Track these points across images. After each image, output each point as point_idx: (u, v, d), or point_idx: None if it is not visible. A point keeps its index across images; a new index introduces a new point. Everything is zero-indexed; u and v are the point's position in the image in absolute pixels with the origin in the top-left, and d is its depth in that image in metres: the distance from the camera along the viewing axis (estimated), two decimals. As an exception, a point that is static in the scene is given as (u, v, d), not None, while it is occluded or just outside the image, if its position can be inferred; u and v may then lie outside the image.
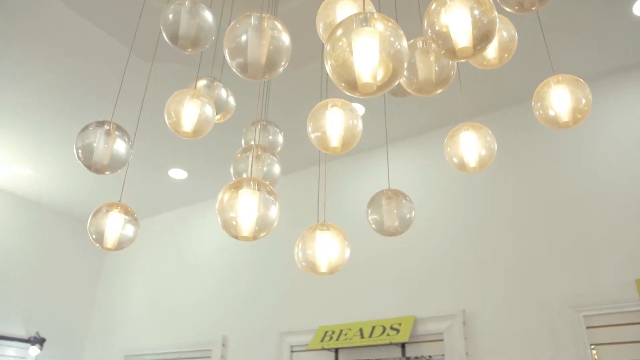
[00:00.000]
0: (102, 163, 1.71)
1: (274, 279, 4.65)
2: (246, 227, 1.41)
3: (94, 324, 6.10)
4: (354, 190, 4.48)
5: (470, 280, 3.62)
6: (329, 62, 1.14)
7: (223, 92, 2.08)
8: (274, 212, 1.43)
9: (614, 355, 2.96)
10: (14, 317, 5.49)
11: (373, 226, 1.88)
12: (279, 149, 2.12)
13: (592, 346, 3.07)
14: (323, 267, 1.67)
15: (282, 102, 3.91)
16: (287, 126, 3.84)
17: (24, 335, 5.48)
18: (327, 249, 1.67)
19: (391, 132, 4.30)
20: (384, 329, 3.72)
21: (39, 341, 5.49)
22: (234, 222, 1.41)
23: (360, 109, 3.94)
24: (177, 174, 5.06)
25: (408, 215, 1.82)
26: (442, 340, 3.55)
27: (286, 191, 4.59)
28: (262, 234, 1.42)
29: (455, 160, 1.75)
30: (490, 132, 1.80)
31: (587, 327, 3.11)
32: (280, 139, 2.15)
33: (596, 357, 3.01)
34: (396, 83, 1.15)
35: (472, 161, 1.73)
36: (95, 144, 1.68)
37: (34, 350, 5.44)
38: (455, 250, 3.77)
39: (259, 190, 1.43)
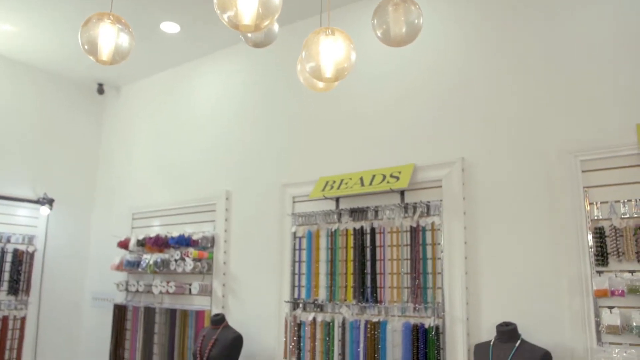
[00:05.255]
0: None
1: (274, 132, 4.66)
2: (248, 13, 1.31)
3: (99, 185, 6.26)
4: (357, 44, 4.30)
5: (469, 129, 3.62)
6: None
7: None
8: (276, -5, 1.32)
9: (605, 196, 3.05)
10: (21, 180, 5.60)
11: (379, 36, 1.77)
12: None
13: (585, 189, 3.15)
14: (328, 72, 1.60)
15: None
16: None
17: (32, 196, 5.64)
18: (332, 52, 1.58)
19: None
20: (384, 177, 3.80)
21: (48, 201, 5.67)
22: (234, 10, 1.31)
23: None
24: (170, 27, 4.79)
25: (416, 21, 1.71)
26: (440, 187, 3.64)
27: (285, 44, 4.40)
28: (266, 22, 1.33)
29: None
30: None
31: (583, 171, 3.17)
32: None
33: (587, 200, 3.11)
34: None
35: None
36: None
37: (45, 210, 5.64)
38: (454, 99, 3.72)
39: (259, -28, 1.31)
